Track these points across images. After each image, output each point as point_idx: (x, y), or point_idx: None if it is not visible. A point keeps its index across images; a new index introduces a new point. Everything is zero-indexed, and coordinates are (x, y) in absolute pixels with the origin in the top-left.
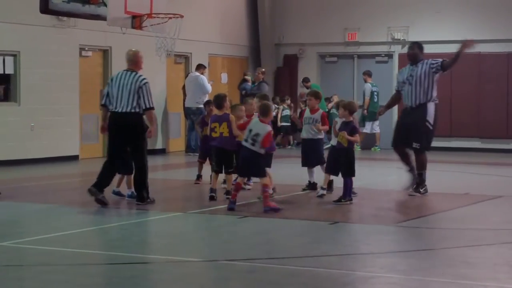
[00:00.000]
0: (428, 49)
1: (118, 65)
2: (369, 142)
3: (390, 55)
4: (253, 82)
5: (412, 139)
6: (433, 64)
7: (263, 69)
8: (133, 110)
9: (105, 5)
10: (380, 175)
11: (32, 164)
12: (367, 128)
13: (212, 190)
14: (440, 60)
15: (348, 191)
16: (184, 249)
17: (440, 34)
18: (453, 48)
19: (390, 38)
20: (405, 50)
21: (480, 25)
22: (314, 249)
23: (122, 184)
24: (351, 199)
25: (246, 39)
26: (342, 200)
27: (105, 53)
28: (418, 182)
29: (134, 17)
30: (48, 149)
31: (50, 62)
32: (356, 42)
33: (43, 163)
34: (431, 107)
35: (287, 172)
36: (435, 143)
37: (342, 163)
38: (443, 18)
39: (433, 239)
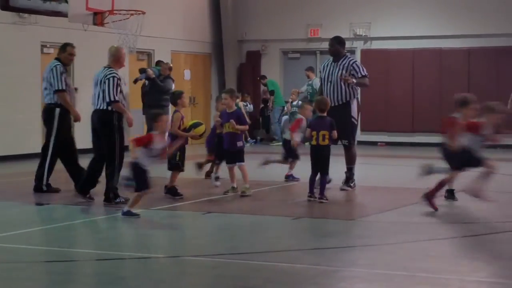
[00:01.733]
0: (390, 45)
1: (80, 61)
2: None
3: (352, 51)
4: (159, 75)
5: (340, 137)
6: (353, 71)
7: (171, 65)
8: (100, 107)
9: (66, 1)
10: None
11: None
12: None
13: (165, 187)
14: (361, 74)
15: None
16: (148, 245)
17: (402, 30)
18: (414, 44)
19: (352, 34)
20: (367, 46)
21: (441, 21)
22: (277, 244)
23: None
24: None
25: (208, 35)
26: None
27: None
28: (348, 176)
29: (96, 13)
30: (10, 147)
31: (11, 60)
32: (319, 38)
33: (4, 161)
34: (354, 104)
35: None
36: (397, 138)
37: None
38: (405, 14)
39: (394, 233)
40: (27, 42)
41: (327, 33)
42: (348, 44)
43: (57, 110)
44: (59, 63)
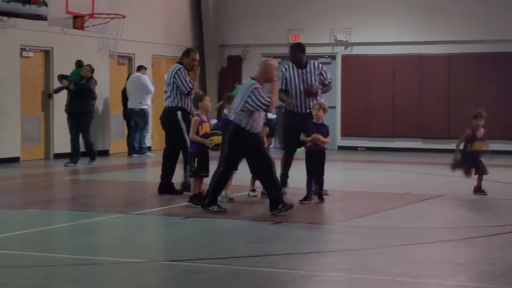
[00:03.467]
0: (370, 50)
1: (60, 65)
2: None
3: (333, 56)
4: (81, 78)
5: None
6: (322, 76)
7: (93, 67)
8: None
9: (46, 5)
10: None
11: None
12: None
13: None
14: (328, 81)
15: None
16: (127, 250)
17: (382, 36)
18: (395, 50)
19: (333, 39)
20: (348, 51)
21: (421, 27)
22: (257, 249)
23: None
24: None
25: (190, 40)
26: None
27: (47, 54)
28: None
29: (76, 17)
30: None
31: None
32: None
33: None
34: None
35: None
36: (378, 144)
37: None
38: (385, 20)
39: (374, 238)
40: (6, 46)
41: (308, 39)
42: (328, 50)
43: (179, 113)
44: (181, 66)
